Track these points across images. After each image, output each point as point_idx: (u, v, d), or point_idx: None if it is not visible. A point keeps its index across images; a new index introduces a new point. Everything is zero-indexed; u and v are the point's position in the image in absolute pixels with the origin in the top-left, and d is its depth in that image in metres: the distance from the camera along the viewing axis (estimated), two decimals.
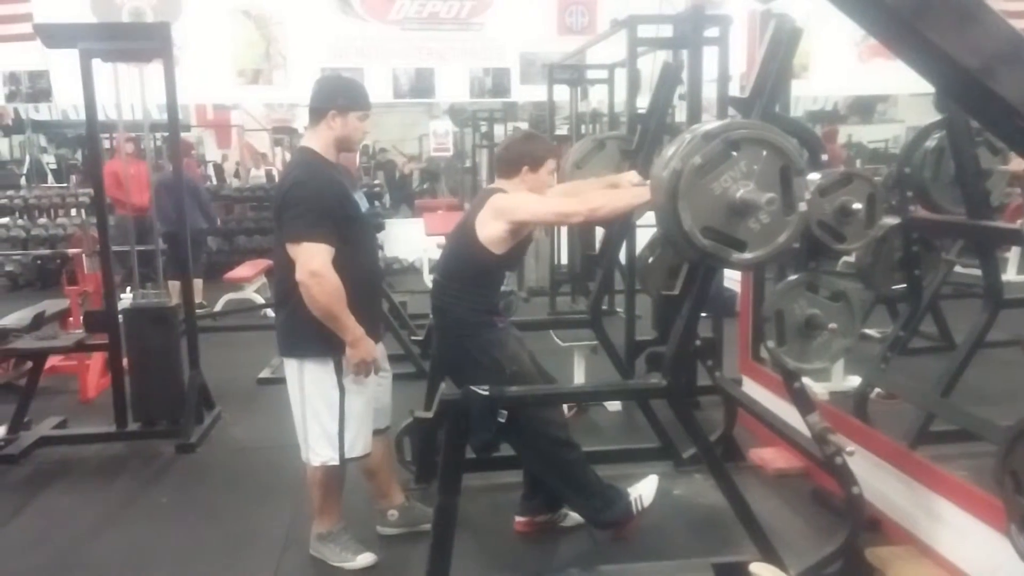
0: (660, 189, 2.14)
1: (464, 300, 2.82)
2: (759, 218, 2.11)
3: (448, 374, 2.83)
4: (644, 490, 2.98)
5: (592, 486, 2.89)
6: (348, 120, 2.68)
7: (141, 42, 4.12)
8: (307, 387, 2.72)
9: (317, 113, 2.69)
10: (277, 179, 10.62)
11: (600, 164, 3.79)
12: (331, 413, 2.71)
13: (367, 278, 2.77)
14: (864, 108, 13.62)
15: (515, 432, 2.68)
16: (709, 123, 2.15)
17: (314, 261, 2.52)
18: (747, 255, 2.14)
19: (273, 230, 2.73)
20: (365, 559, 2.89)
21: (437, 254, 8.84)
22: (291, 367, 2.76)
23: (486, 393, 2.38)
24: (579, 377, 4.58)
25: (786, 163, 2.11)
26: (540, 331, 5.03)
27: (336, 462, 2.76)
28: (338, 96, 2.69)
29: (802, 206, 2.13)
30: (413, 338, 5.48)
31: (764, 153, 2.10)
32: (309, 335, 2.62)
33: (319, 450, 2.76)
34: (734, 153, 2.08)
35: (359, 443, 2.79)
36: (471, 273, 2.82)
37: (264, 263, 7.83)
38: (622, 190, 2.87)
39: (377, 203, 10.21)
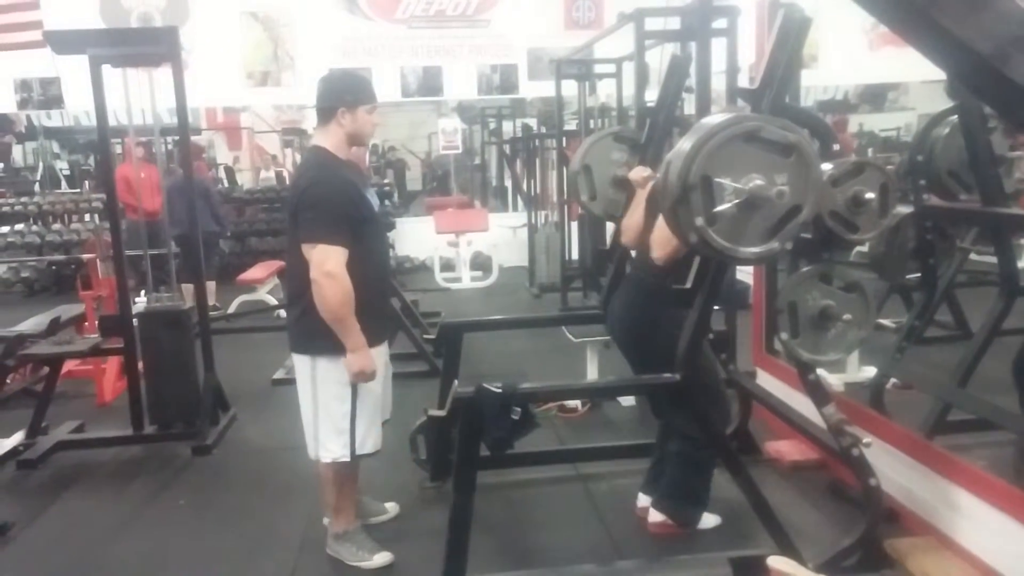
0: (705, 246, 2.13)
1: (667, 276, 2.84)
2: (780, 185, 2.08)
3: (621, 334, 3.02)
4: (707, 517, 3.07)
5: (707, 484, 3.02)
6: (358, 115, 2.69)
7: (150, 47, 4.14)
8: (319, 383, 2.73)
9: (326, 112, 2.70)
10: (288, 180, 10.70)
11: (600, 173, 3.72)
12: (343, 410, 2.73)
13: (378, 278, 2.79)
14: (875, 96, 13.47)
15: (683, 410, 2.81)
16: (675, 161, 2.10)
17: (329, 262, 2.54)
18: (803, 213, 2.12)
19: (287, 230, 2.74)
20: (382, 558, 2.89)
21: (448, 252, 8.96)
22: (302, 364, 2.77)
23: (499, 390, 2.38)
24: (592, 372, 4.57)
25: (746, 132, 2.06)
26: (552, 327, 5.03)
27: (347, 458, 2.77)
28: (345, 92, 2.70)
29: (788, 136, 2.07)
30: (425, 336, 5.48)
31: (730, 148, 2.05)
32: (322, 332, 2.63)
33: (330, 446, 2.77)
34: (717, 179, 2.04)
35: (370, 439, 2.81)
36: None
37: (276, 264, 7.86)
38: None
39: (388, 202, 10.21)
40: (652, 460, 3.18)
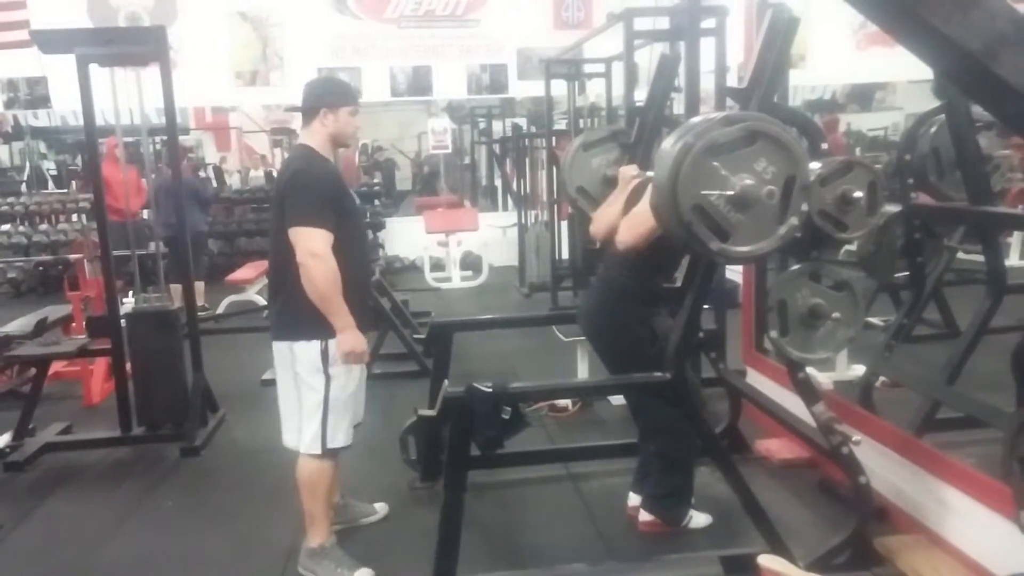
0: (732, 260, 2.18)
1: (635, 275, 2.85)
2: (763, 169, 2.09)
3: (593, 337, 3.05)
4: (698, 517, 3.07)
5: (689, 481, 3.03)
6: (339, 116, 2.75)
7: (137, 46, 4.10)
8: (299, 370, 2.73)
9: (309, 113, 2.76)
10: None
11: (589, 182, 3.71)
12: (316, 400, 2.71)
13: (358, 272, 2.79)
14: (863, 96, 13.54)
15: (661, 406, 2.82)
16: (662, 205, 2.14)
17: (314, 244, 2.57)
18: (798, 178, 2.14)
19: (272, 221, 2.77)
20: (363, 575, 2.78)
21: (438, 252, 8.95)
22: (282, 351, 2.77)
23: (489, 390, 2.37)
24: (582, 372, 4.57)
25: (705, 149, 2.06)
26: (543, 326, 5.03)
27: (318, 451, 2.73)
28: (327, 95, 2.77)
29: (746, 127, 2.09)
30: (415, 336, 5.46)
31: (701, 170, 2.06)
32: (301, 318, 2.65)
33: (306, 439, 2.75)
34: (708, 198, 2.06)
35: (340, 434, 2.75)
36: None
37: (265, 265, 7.82)
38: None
39: (377, 202, 10.18)
40: (638, 460, 3.18)
